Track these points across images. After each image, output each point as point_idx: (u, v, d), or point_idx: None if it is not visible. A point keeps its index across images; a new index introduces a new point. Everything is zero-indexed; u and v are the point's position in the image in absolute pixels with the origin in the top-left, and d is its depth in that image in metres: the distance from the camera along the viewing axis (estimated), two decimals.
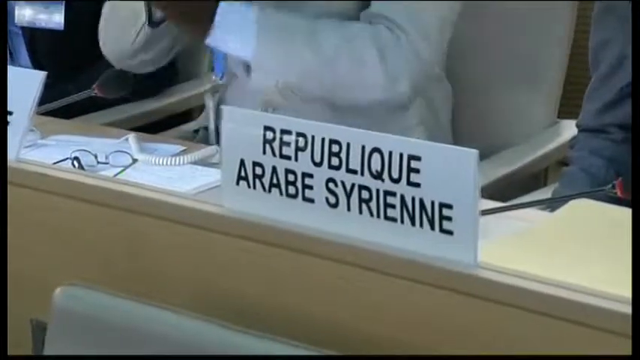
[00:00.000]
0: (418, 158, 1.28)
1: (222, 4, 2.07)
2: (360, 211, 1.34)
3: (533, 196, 1.99)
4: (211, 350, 1.24)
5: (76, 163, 1.83)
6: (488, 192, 1.87)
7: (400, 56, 2.10)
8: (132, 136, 2.02)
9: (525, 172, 2.27)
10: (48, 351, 1.36)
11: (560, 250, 1.48)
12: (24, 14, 2.58)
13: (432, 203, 1.28)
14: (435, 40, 2.14)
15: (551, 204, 1.70)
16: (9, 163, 1.62)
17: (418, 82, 2.14)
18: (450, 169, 1.28)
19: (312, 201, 1.38)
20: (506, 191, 2.07)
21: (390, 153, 1.30)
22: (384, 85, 2.11)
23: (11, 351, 1.50)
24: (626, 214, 1.59)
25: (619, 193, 1.61)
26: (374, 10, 2.13)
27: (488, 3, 2.40)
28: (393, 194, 1.31)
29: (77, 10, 2.55)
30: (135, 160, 1.90)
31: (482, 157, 1.95)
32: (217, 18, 2.03)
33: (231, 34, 2.08)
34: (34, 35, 2.62)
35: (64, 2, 2.54)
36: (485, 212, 1.43)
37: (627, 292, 1.25)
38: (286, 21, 2.12)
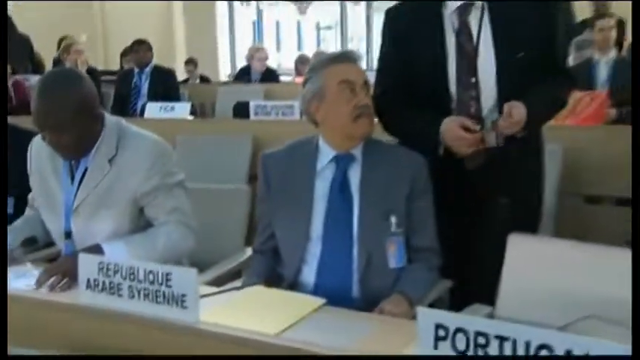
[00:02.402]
0: (170, 273, 1.42)
1: None
2: (145, 300, 1.45)
3: (234, 284, 1.88)
4: None
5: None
6: (210, 283, 1.93)
7: (193, 234, 1.98)
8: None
9: (230, 271, 2.19)
10: None
11: (243, 312, 1.54)
12: None
13: (178, 294, 1.41)
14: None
15: (241, 288, 1.73)
16: None
17: None
18: (183, 279, 1.41)
19: (121, 295, 1.47)
20: (220, 282, 2.00)
21: (158, 272, 1.42)
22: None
23: None
24: (277, 293, 1.70)
25: (265, 286, 1.74)
26: (167, 219, 1.93)
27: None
28: (160, 291, 1.43)
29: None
30: None
31: (207, 267, 2.14)
32: None
33: None
34: None
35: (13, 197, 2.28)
36: (203, 296, 1.51)
37: (277, 330, 1.37)
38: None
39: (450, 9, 1.96)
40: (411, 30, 2.00)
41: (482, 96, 1.94)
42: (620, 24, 4.62)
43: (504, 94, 1.90)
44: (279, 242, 1.93)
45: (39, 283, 1.69)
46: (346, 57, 1.89)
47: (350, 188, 1.86)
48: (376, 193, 1.84)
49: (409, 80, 2.00)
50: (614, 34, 4.33)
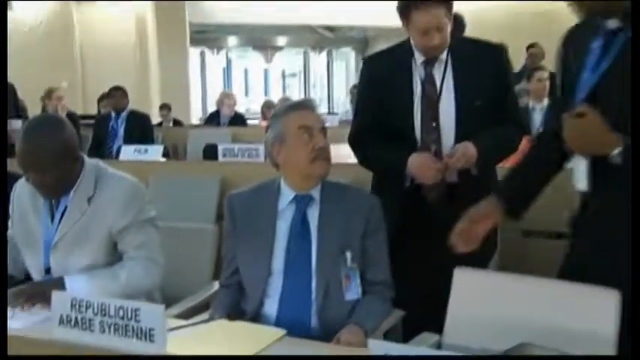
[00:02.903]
0: (139, 309, 1.40)
1: None
2: (115, 334, 1.42)
3: (202, 317, 1.82)
4: None
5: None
6: (179, 316, 1.88)
7: (158, 269, 1.97)
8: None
9: (198, 305, 2.10)
10: None
11: (208, 344, 1.53)
12: None
13: (146, 329, 1.39)
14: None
15: (207, 321, 1.70)
16: None
17: None
18: (151, 314, 1.40)
19: (93, 331, 1.45)
20: (190, 314, 1.96)
21: (128, 307, 1.40)
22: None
23: None
24: (240, 325, 1.67)
25: (229, 319, 1.71)
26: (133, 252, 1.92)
27: None
28: (130, 325, 1.41)
29: None
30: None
31: (177, 300, 2.10)
32: None
33: None
34: None
35: None
36: (171, 329, 1.49)
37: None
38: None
39: (418, 61, 2.08)
40: (385, 77, 2.11)
41: (442, 138, 2.04)
42: (552, 76, 4.81)
43: (462, 137, 2.00)
44: (243, 277, 1.92)
45: (12, 305, 1.66)
46: (304, 105, 1.92)
47: (309, 226, 1.86)
48: (333, 231, 1.84)
49: (382, 121, 2.11)
50: (548, 84, 4.51)
